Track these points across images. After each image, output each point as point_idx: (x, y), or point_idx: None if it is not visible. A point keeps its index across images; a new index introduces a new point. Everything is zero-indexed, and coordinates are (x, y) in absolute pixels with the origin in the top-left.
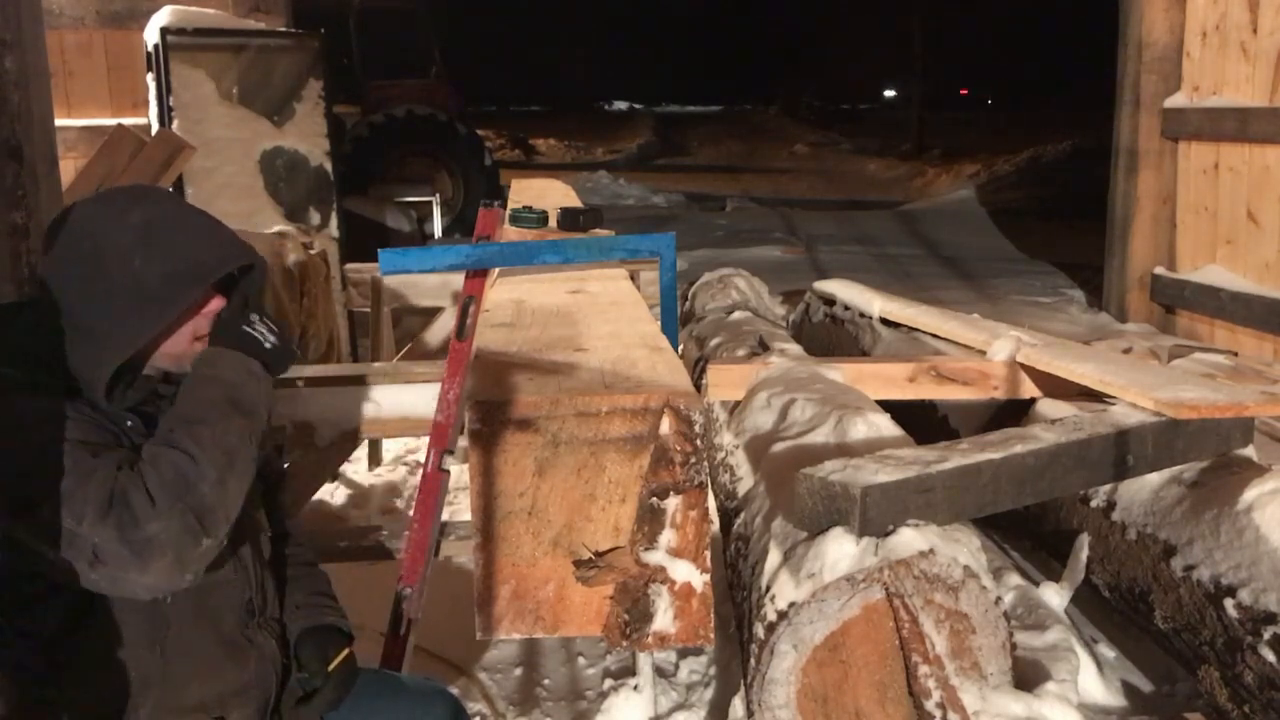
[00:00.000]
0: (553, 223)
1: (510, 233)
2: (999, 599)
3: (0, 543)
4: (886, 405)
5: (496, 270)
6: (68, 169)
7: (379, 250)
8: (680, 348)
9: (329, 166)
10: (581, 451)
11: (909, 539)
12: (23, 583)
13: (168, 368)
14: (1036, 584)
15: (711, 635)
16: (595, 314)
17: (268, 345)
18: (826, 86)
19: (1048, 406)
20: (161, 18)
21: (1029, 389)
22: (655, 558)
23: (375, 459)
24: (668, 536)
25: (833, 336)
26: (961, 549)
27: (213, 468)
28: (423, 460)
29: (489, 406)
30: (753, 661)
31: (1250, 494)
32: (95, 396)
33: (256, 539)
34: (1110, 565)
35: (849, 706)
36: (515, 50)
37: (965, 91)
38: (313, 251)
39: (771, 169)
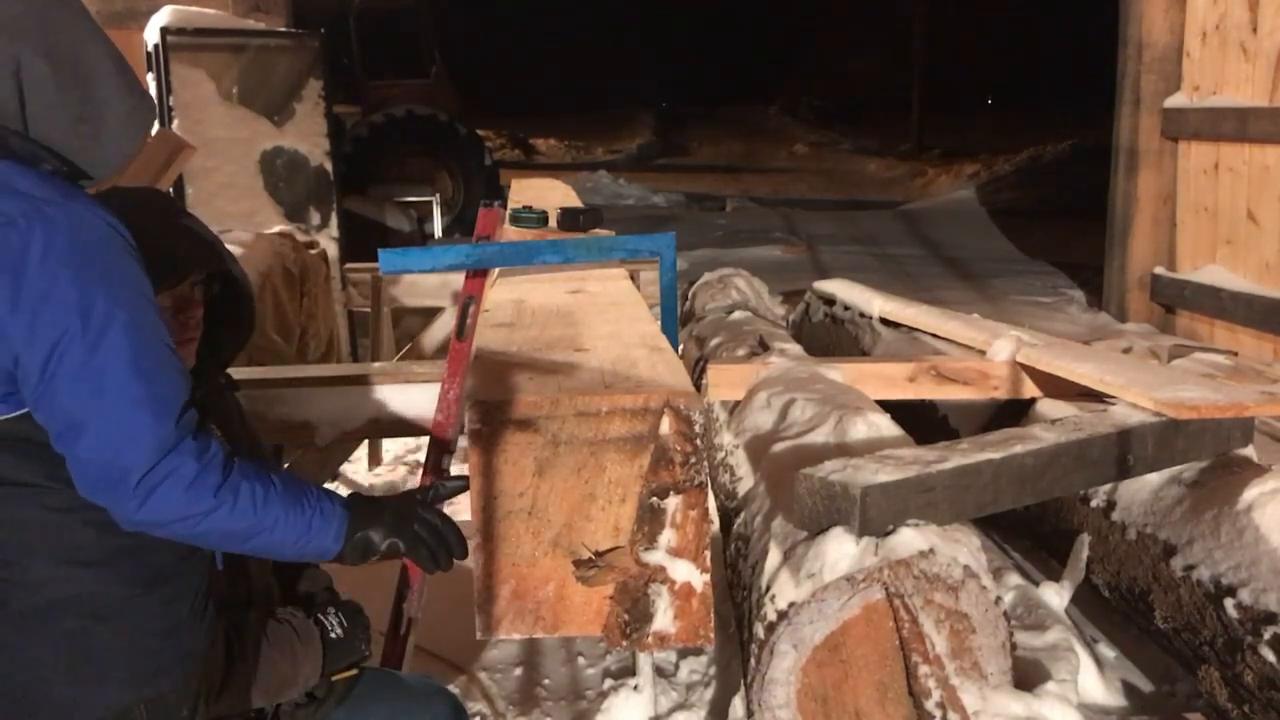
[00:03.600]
0: (553, 223)
1: (510, 233)
2: (999, 599)
3: None
4: (886, 405)
5: (496, 270)
6: None
7: (379, 250)
8: (680, 348)
9: (329, 166)
10: (581, 451)
11: (909, 539)
12: None
13: None
14: (1036, 584)
15: (711, 635)
16: (595, 314)
17: (332, 636)
18: (827, 86)
19: (1048, 406)
20: (161, 18)
21: (1029, 389)
22: (655, 558)
23: (375, 459)
24: (668, 536)
25: (833, 336)
26: (961, 549)
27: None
28: (423, 460)
29: (489, 406)
30: (753, 661)
31: (1250, 494)
32: None
33: None
34: (1110, 565)
35: (849, 706)
36: (515, 50)
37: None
38: (313, 251)
39: (771, 169)
